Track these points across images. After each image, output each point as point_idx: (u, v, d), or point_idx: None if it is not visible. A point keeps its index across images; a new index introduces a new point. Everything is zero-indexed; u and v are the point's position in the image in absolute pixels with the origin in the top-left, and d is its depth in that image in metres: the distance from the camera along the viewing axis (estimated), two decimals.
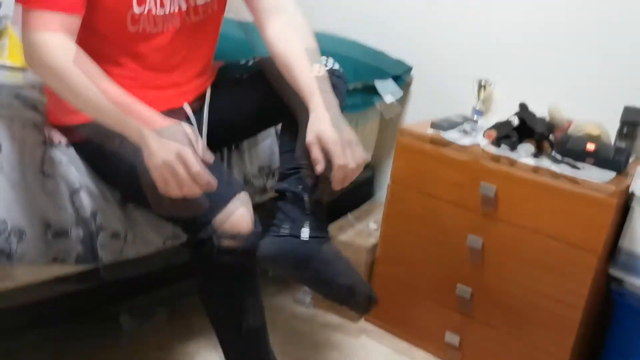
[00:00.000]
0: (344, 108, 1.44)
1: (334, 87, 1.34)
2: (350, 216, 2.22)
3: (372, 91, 2.23)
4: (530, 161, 1.70)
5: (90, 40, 1.26)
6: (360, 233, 2.11)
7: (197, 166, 1.11)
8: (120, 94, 1.16)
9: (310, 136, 1.22)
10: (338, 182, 1.23)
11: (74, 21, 1.20)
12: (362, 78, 2.17)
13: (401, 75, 2.30)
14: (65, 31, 1.17)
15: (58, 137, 1.33)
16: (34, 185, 1.24)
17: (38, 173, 1.25)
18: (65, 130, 1.33)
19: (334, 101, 1.27)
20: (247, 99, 1.48)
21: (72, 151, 1.33)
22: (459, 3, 2.18)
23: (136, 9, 1.26)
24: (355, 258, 2.02)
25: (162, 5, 1.29)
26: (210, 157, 1.17)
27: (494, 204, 1.75)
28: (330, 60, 1.43)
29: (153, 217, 1.43)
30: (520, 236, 1.71)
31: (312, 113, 1.24)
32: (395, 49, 2.32)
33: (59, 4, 1.16)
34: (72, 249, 1.30)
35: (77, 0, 1.19)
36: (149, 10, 1.27)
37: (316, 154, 1.21)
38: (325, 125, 1.21)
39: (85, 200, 1.32)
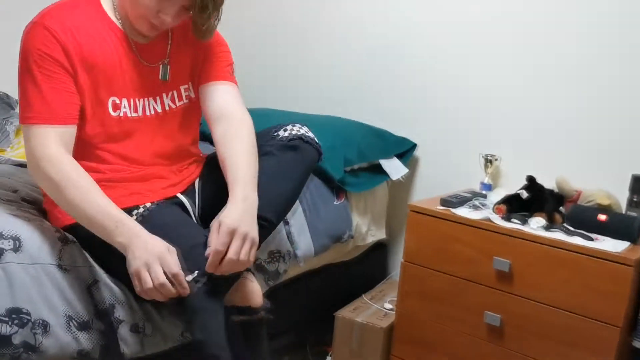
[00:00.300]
0: (307, 175, 1.53)
1: (298, 149, 1.45)
2: (364, 297, 2.20)
3: (378, 170, 2.27)
4: (543, 234, 1.70)
5: (80, 142, 1.34)
6: (375, 314, 2.08)
7: (176, 268, 1.18)
8: (113, 211, 1.23)
9: (215, 221, 1.28)
10: (211, 265, 1.24)
11: (70, 132, 1.29)
12: (367, 158, 2.22)
13: (406, 153, 2.35)
14: (62, 144, 1.26)
15: (72, 237, 1.34)
16: (53, 279, 1.25)
17: (56, 267, 1.26)
18: (67, 230, 1.36)
19: (253, 198, 1.33)
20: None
21: None
22: (459, 79, 2.25)
23: (112, 113, 1.36)
24: (372, 339, 1.99)
25: (135, 110, 1.39)
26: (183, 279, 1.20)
27: (509, 278, 1.73)
28: (305, 128, 1.50)
29: (168, 310, 1.42)
30: (538, 311, 1.69)
31: (228, 203, 1.31)
32: (398, 127, 2.37)
33: (55, 117, 1.26)
34: (96, 342, 1.29)
35: (72, 112, 1.30)
36: (124, 113, 1.38)
37: (211, 237, 1.26)
38: (231, 215, 1.27)
39: (103, 293, 1.32)
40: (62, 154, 1.25)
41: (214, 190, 1.46)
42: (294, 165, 1.45)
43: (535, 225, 1.74)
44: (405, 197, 2.42)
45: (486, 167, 2.09)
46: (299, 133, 1.47)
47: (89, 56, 1.31)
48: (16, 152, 1.84)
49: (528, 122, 2.11)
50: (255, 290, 1.38)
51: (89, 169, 1.30)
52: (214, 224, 1.26)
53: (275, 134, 1.48)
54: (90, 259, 1.33)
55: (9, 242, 1.21)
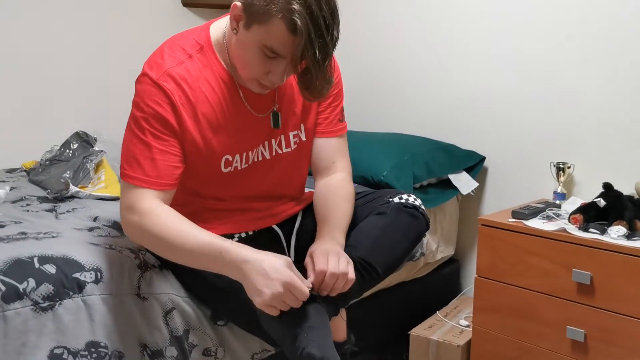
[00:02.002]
0: (417, 243, 1.49)
1: (413, 216, 1.43)
2: (439, 314, 2.16)
3: (448, 185, 2.23)
4: (625, 243, 1.62)
5: (184, 190, 1.37)
6: (451, 331, 2.03)
7: (306, 292, 1.17)
8: (215, 240, 1.21)
9: (306, 258, 1.29)
10: (317, 286, 1.24)
11: (170, 192, 1.30)
12: (435, 173, 2.19)
13: (475, 166, 2.30)
14: (159, 200, 1.27)
15: (153, 260, 1.40)
16: (131, 308, 1.31)
17: (134, 296, 1.32)
18: None
19: (340, 240, 1.35)
20: None
21: (165, 273, 1.40)
22: (524, 88, 2.19)
23: (224, 170, 1.37)
24: (449, 357, 1.95)
25: (246, 162, 1.40)
26: (309, 284, 1.21)
27: (591, 291, 1.66)
28: (412, 197, 1.49)
29: (241, 333, 1.45)
30: (624, 324, 1.60)
31: (315, 241, 1.34)
32: (466, 140, 2.33)
33: (157, 183, 1.27)
34: None
35: (175, 176, 1.29)
36: (235, 168, 1.39)
37: (309, 269, 1.27)
38: (319, 244, 1.29)
39: (178, 320, 1.37)
40: (158, 206, 1.25)
41: (312, 229, 1.47)
42: (408, 228, 1.44)
43: (616, 234, 1.66)
44: (476, 211, 2.37)
45: (558, 175, 2.02)
46: (415, 203, 1.47)
47: (202, 118, 1.30)
48: (96, 187, 1.94)
49: (601, 126, 2.02)
50: (339, 326, 1.39)
51: (179, 201, 1.32)
52: (307, 261, 1.28)
53: (390, 199, 1.47)
54: (171, 284, 1.37)
55: (91, 274, 1.28)
